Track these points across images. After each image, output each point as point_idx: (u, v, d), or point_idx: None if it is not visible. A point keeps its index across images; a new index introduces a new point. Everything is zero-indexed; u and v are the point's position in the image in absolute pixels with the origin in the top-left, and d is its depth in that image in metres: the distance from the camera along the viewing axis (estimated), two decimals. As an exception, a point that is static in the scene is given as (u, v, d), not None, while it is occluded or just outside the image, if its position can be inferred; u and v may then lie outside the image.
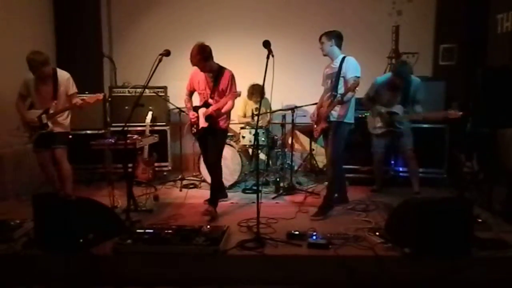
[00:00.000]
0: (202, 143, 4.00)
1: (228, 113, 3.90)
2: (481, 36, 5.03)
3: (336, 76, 3.70)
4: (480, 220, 3.37)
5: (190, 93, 4.01)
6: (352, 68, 3.62)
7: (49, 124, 3.93)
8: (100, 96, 4.04)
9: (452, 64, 5.45)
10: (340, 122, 3.69)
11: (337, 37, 3.72)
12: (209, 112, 3.76)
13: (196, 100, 4.03)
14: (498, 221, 3.49)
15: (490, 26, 4.89)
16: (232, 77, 3.78)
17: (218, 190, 3.92)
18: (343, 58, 3.68)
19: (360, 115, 4.87)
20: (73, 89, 4.03)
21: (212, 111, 3.75)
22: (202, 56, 3.58)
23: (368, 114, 4.60)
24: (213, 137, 3.84)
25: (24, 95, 4.01)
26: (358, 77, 3.59)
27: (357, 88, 3.53)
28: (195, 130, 3.92)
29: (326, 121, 3.75)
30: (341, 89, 3.68)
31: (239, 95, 3.86)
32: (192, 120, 3.89)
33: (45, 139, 3.97)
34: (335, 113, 3.70)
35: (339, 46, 3.75)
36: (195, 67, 3.71)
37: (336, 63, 3.71)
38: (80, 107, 3.98)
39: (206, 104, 3.83)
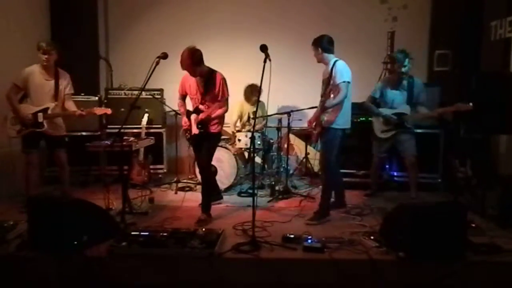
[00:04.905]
0: (196, 148, 3.98)
1: (220, 117, 3.87)
2: (475, 42, 5.07)
3: (328, 82, 3.69)
4: (473, 225, 3.39)
5: (183, 97, 3.97)
6: (339, 73, 3.57)
7: (45, 124, 3.90)
8: (109, 110, 4.08)
9: (446, 69, 5.49)
10: (329, 128, 3.67)
11: (325, 43, 3.65)
12: (199, 119, 3.74)
13: (190, 104, 3.98)
14: (491, 226, 3.52)
15: (484, 33, 4.95)
16: (223, 81, 3.73)
17: (209, 195, 3.90)
18: (334, 63, 3.64)
19: (355, 120, 4.89)
20: (70, 89, 4.08)
21: (202, 119, 3.73)
22: (192, 61, 3.55)
23: (363, 119, 4.60)
24: (206, 141, 3.83)
25: (19, 87, 3.92)
26: (347, 82, 3.56)
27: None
28: (188, 136, 3.91)
29: (320, 126, 3.74)
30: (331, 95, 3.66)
31: (226, 110, 3.87)
32: (185, 127, 3.89)
33: (35, 138, 3.93)
34: (325, 118, 3.69)
35: (329, 51, 3.68)
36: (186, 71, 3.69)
37: (328, 69, 3.69)
38: (81, 117, 3.99)
39: (197, 110, 3.80)
